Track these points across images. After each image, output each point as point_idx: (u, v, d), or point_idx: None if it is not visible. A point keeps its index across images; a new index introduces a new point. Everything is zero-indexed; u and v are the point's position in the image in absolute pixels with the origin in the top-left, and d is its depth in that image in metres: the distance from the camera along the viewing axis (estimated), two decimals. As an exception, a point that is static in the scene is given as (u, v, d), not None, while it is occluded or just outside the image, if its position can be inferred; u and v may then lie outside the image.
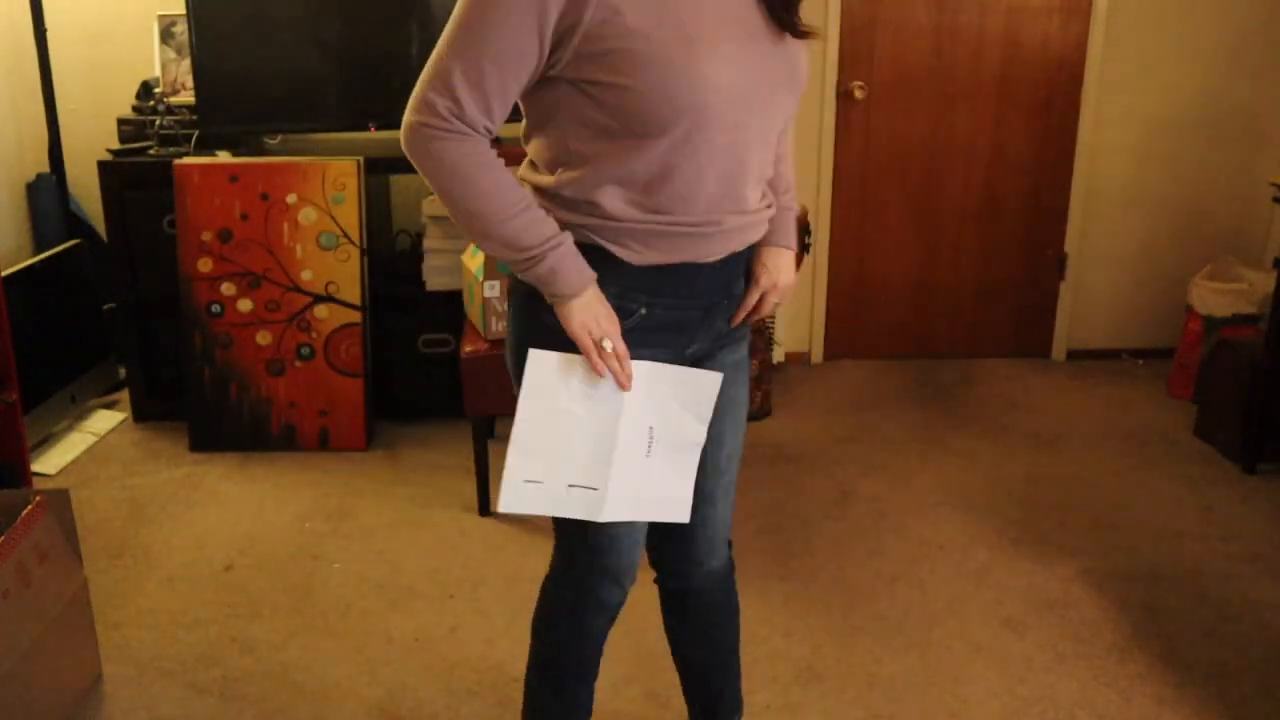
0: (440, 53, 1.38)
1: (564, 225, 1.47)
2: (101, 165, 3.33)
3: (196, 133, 3.37)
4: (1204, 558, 2.79)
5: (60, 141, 3.62)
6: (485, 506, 2.98)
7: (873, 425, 3.57)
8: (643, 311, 1.51)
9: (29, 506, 2.10)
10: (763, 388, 3.61)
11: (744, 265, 1.60)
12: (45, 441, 3.33)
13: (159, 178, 3.28)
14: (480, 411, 2.88)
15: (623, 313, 1.50)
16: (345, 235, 3.28)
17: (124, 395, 3.62)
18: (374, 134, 3.45)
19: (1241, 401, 3.23)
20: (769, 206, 1.59)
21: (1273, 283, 3.25)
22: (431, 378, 3.49)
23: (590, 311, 1.46)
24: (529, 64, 1.38)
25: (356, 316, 3.32)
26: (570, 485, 1.54)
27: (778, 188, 1.64)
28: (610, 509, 1.56)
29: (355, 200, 3.27)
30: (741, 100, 1.43)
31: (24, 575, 2.03)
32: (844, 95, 3.86)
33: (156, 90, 3.49)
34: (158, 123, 3.41)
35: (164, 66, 3.52)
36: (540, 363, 1.49)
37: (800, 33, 1.48)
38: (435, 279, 3.37)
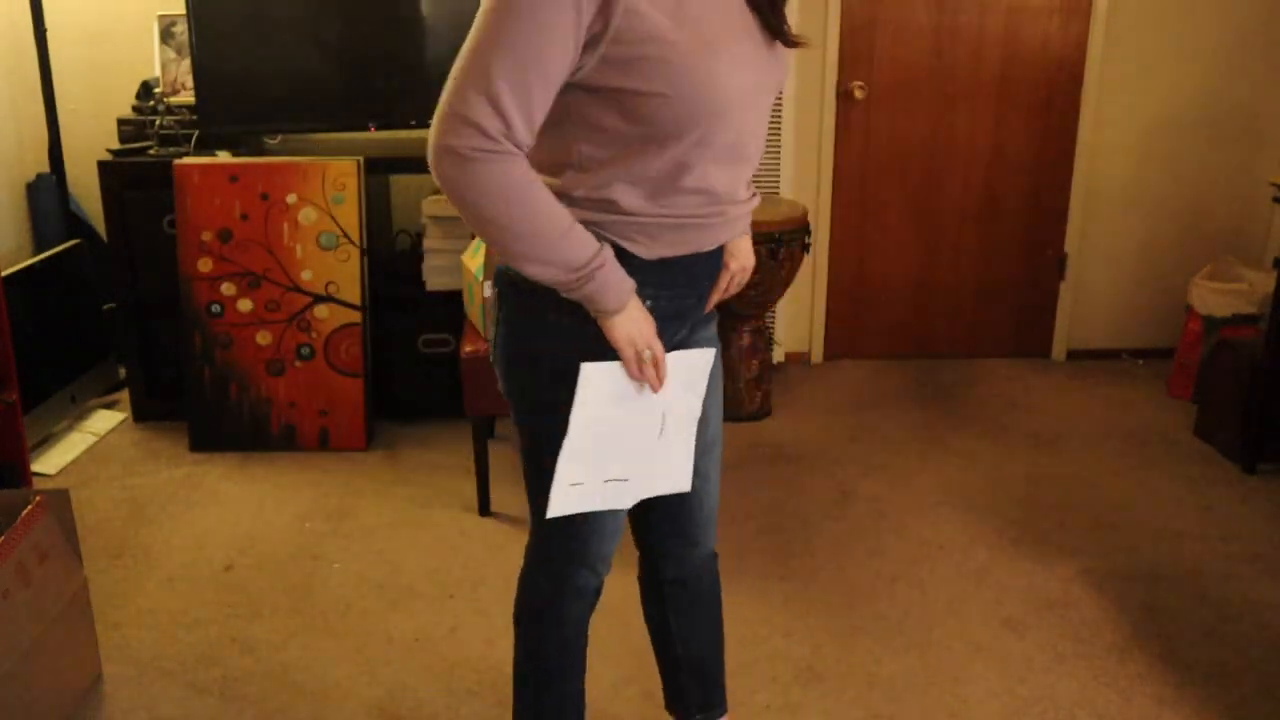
0: (478, 67, 1.32)
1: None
2: (101, 165, 3.33)
3: (196, 133, 3.37)
4: (1204, 558, 2.79)
5: (60, 141, 3.62)
6: (485, 506, 2.98)
7: (873, 425, 3.57)
8: (649, 304, 1.53)
9: (29, 506, 2.10)
10: (763, 388, 3.61)
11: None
12: (45, 441, 3.33)
13: (159, 178, 3.28)
14: (480, 411, 2.88)
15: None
16: (345, 235, 3.28)
17: (124, 395, 3.62)
18: (374, 134, 3.46)
19: (1241, 401, 3.23)
20: (754, 196, 1.64)
21: (1273, 283, 3.25)
22: (431, 378, 3.49)
23: (635, 323, 1.49)
24: (566, 73, 1.36)
25: (356, 316, 3.32)
26: (606, 480, 1.59)
27: None
28: (634, 494, 1.62)
29: (355, 200, 3.27)
30: (749, 102, 1.47)
31: (24, 575, 2.03)
32: (844, 95, 3.86)
33: (156, 90, 3.49)
34: (158, 123, 3.41)
35: (164, 66, 3.52)
36: (593, 376, 1.50)
37: (791, 43, 1.54)
38: (435, 279, 3.37)
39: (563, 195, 1.46)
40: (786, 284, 3.55)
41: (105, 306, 3.63)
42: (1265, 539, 2.88)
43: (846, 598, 2.60)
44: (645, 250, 1.49)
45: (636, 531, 1.84)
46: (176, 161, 3.26)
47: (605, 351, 1.50)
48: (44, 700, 2.08)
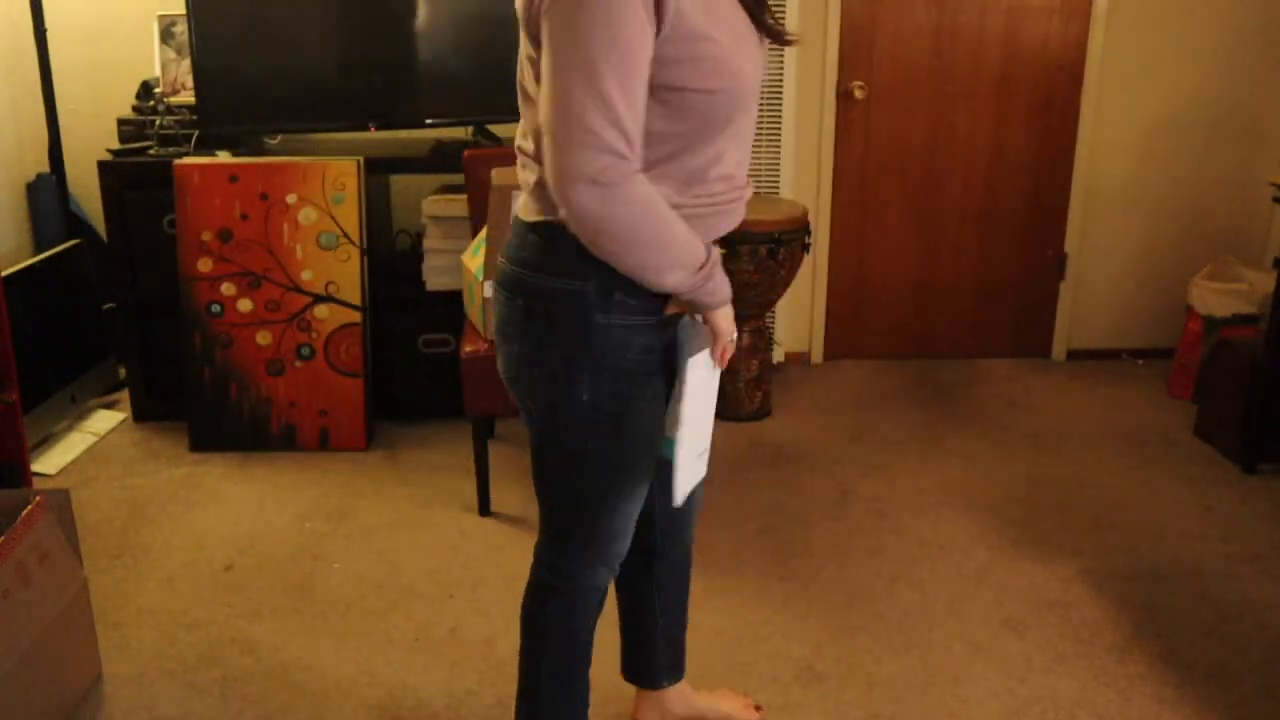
0: (588, 89, 1.32)
1: None
2: (101, 165, 3.33)
3: (196, 133, 3.37)
4: (1204, 558, 2.79)
5: (60, 141, 3.62)
6: (485, 506, 2.98)
7: (873, 425, 3.57)
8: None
9: (29, 506, 2.10)
10: (763, 388, 3.61)
11: None
12: (45, 441, 3.33)
13: (159, 178, 3.28)
14: (480, 411, 2.88)
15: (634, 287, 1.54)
16: (345, 235, 3.29)
17: (124, 395, 3.62)
18: (374, 134, 3.46)
19: (1241, 401, 3.23)
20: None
21: (1273, 283, 3.25)
22: (431, 378, 3.49)
23: (730, 312, 1.59)
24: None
25: (356, 316, 3.32)
26: (699, 454, 1.70)
27: None
28: (707, 464, 1.75)
29: (355, 200, 3.27)
30: (760, 92, 1.58)
31: (24, 575, 2.03)
32: (844, 95, 3.86)
33: (156, 90, 3.49)
34: (158, 123, 3.41)
35: (164, 66, 3.52)
36: (697, 365, 1.60)
37: (787, 41, 1.60)
38: (435, 279, 3.37)
39: None
40: (786, 284, 3.55)
41: (105, 306, 3.63)
42: (1265, 539, 2.88)
43: (846, 598, 2.60)
44: None
45: (640, 522, 1.85)
46: (176, 161, 3.26)
47: (647, 343, 1.56)
48: (44, 700, 2.08)
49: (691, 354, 1.60)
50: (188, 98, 3.42)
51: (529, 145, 1.53)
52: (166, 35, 3.51)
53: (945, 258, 4.07)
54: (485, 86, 3.41)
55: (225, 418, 3.34)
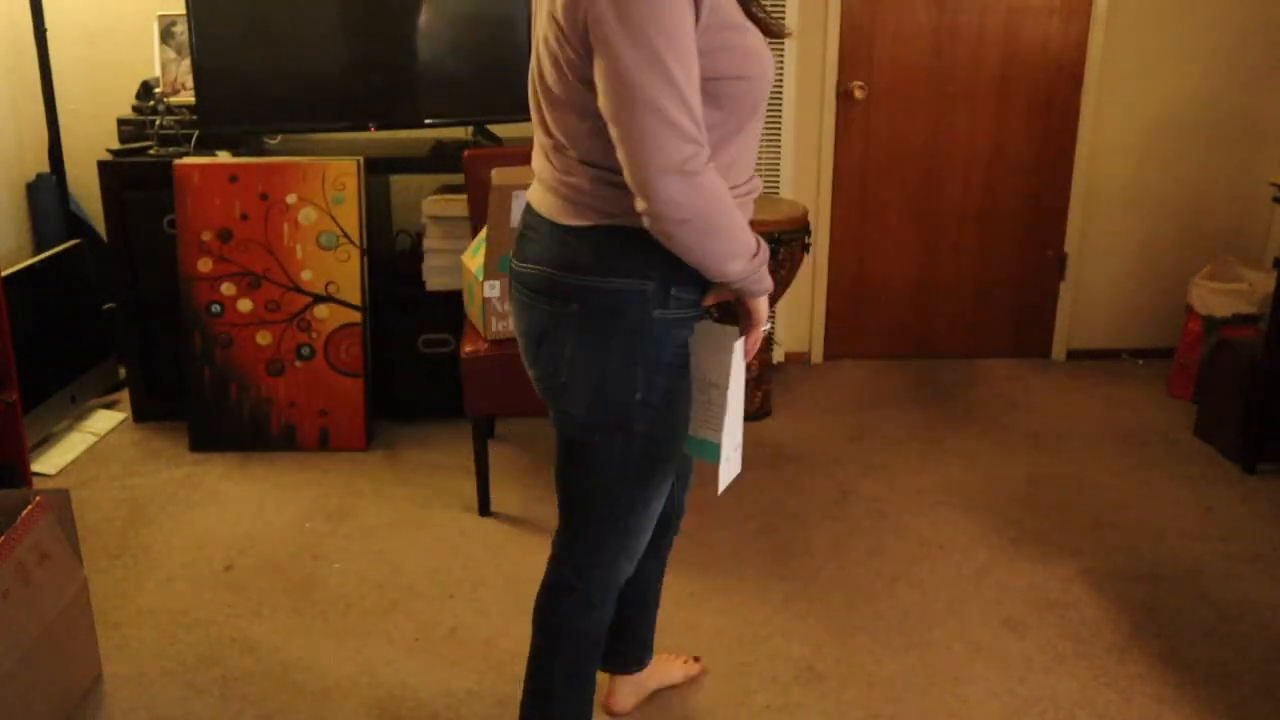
0: (661, 81, 1.36)
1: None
2: (101, 165, 3.33)
3: (196, 133, 3.37)
4: (1204, 558, 2.79)
5: (60, 141, 3.62)
6: (485, 506, 2.98)
7: (873, 425, 3.57)
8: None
9: (29, 506, 2.10)
10: (763, 388, 3.61)
11: None
12: (45, 441, 3.33)
13: (159, 178, 3.28)
14: (480, 411, 2.88)
15: (705, 286, 1.59)
16: (345, 235, 3.28)
17: (124, 395, 3.62)
18: (374, 134, 3.46)
19: (1241, 401, 3.23)
20: None
21: (1273, 283, 3.25)
22: (431, 378, 3.49)
23: (767, 298, 1.63)
24: None
25: (356, 316, 3.32)
26: (736, 446, 1.73)
27: None
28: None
29: (355, 200, 3.27)
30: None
31: (24, 575, 2.03)
32: (844, 95, 3.86)
33: (156, 90, 3.49)
34: (158, 123, 3.41)
35: (164, 66, 3.52)
36: (738, 349, 1.63)
37: (774, 32, 1.62)
38: (435, 279, 3.37)
39: (624, 198, 1.51)
40: (786, 284, 3.55)
41: (105, 306, 3.63)
42: (1265, 539, 2.88)
43: (846, 598, 2.60)
44: None
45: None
46: (176, 161, 3.26)
47: (685, 336, 1.60)
48: (44, 700, 2.08)
49: (704, 357, 1.64)
50: (188, 98, 3.42)
51: (574, 151, 1.53)
52: (166, 35, 3.51)
53: (945, 258, 4.07)
54: (485, 86, 3.41)
55: (225, 418, 3.34)
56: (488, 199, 2.67)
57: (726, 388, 1.64)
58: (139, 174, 3.33)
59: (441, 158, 3.41)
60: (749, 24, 1.50)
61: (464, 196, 3.24)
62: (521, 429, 3.52)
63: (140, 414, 3.53)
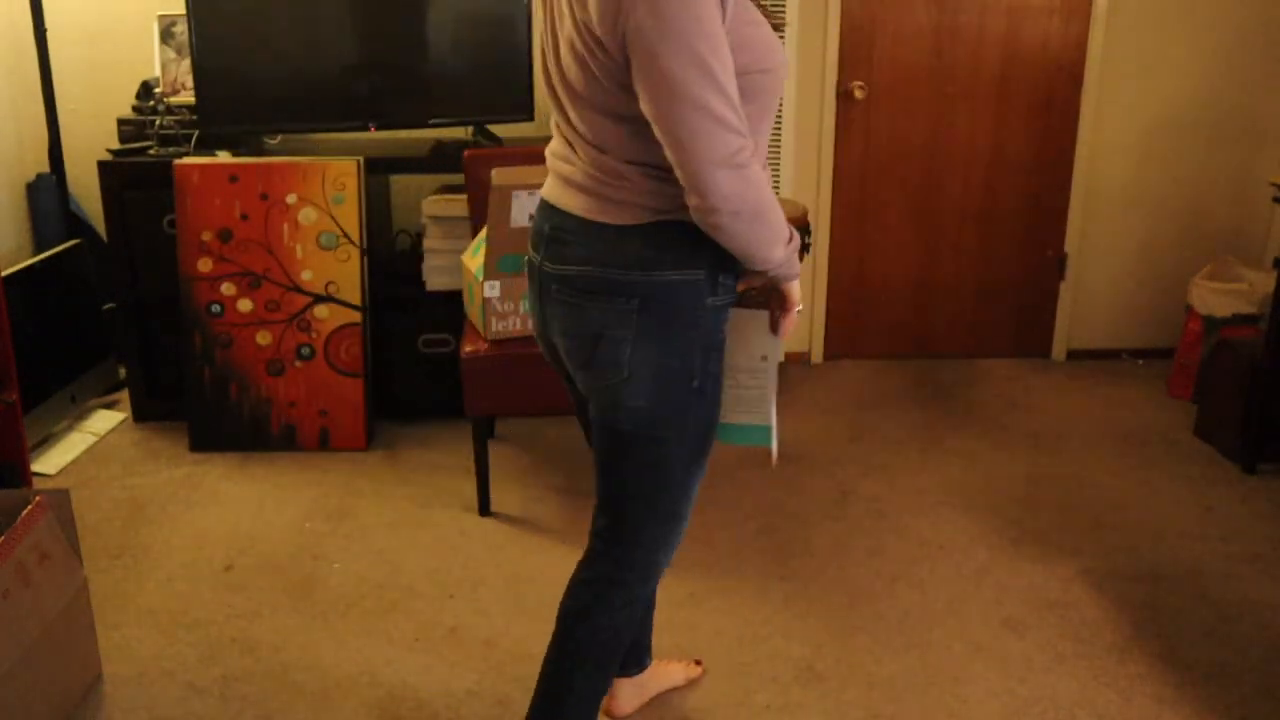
0: (705, 78, 1.41)
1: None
2: (101, 165, 3.33)
3: (196, 133, 3.37)
4: (1204, 558, 2.79)
5: (60, 141, 3.62)
6: (485, 506, 2.98)
7: (873, 425, 3.57)
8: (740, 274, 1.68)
9: (29, 506, 2.10)
10: (763, 388, 3.60)
11: None
12: (45, 441, 3.33)
13: (159, 178, 3.28)
14: (480, 411, 2.88)
15: (739, 273, 1.65)
16: (345, 235, 3.28)
17: (124, 395, 3.62)
18: (374, 134, 3.46)
19: (1241, 401, 3.23)
20: None
21: (1273, 283, 3.25)
22: (431, 378, 3.49)
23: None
24: None
25: (356, 316, 3.32)
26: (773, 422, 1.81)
27: None
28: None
29: (355, 200, 3.27)
30: None
31: (24, 575, 2.03)
32: (844, 95, 3.86)
33: (156, 90, 3.49)
34: (158, 123, 3.41)
35: (164, 66, 3.52)
36: (777, 341, 1.71)
37: (780, 26, 1.75)
38: (435, 279, 3.37)
39: (672, 194, 1.54)
40: (786, 284, 3.55)
41: (105, 306, 3.63)
42: (1265, 539, 2.88)
43: (846, 598, 2.60)
44: None
45: None
46: (176, 161, 3.26)
47: (724, 321, 1.66)
48: (44, 700, 2.08)
49: (732, 342, 1.71)
50: (188, 98, 3.42)
51: (616, 152, 1.56)
52: (166, 35, 3.51)
53: (945, 258, 4.07)
54: (485, 86, 3.41)
55: (225, 418, 3.34)
56: (488, 199, 2.67)
57: (767, 370, 1.71)
58: (139, 174, 3.33)
59: (441, 158, 3.41)
60: (762, 17, 1.54)
61: (464, 196, 3.24)
62: (521, 429, 3.52)
63: (140, 414, 3.53)
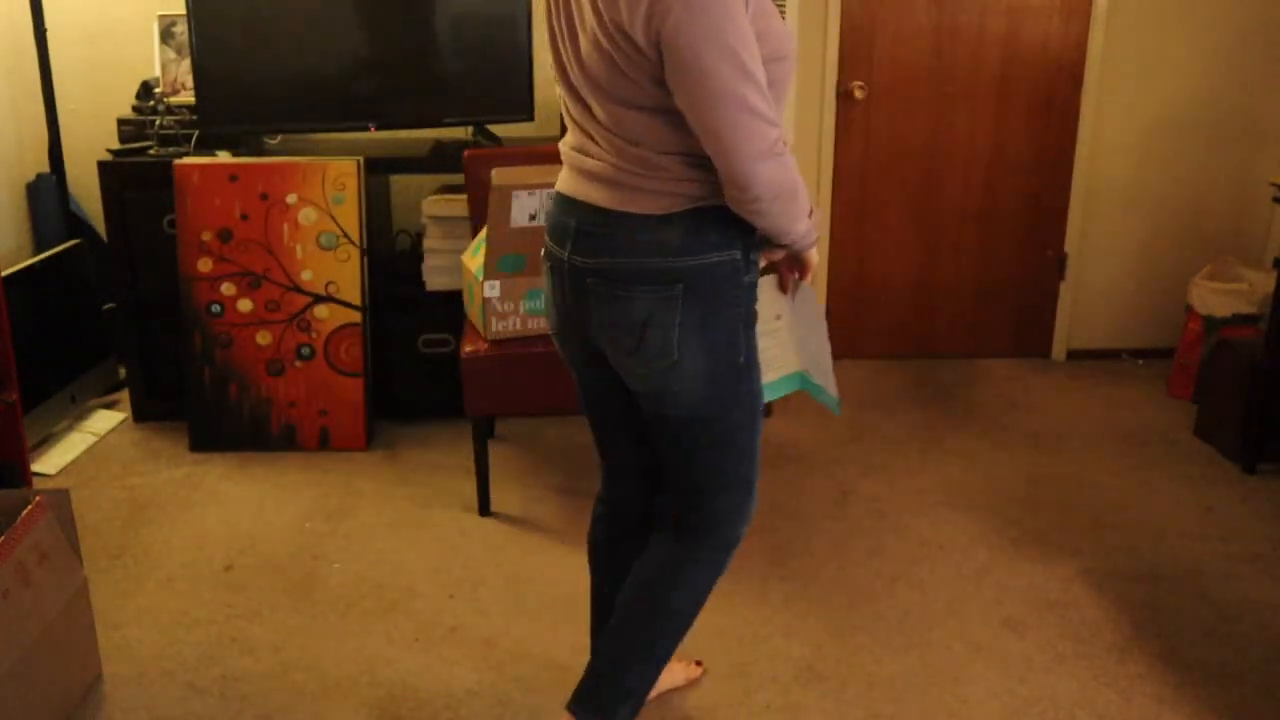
0: (739, 72, 1.46)
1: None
2: (101, 165, 3.33)
3: (196, 133, 3.37)
4: (1204, 558, 2.79)
5: (60, 141, 3.62)
6: (485, 506, 2.98)
7: (873, 425, 3.57)
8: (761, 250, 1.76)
9: (29, 506, 2.10)
10: (763, 388, 3.61)
11: None
12: (45, 441, 3.33)
13: (159, 178, 3.28)
14: (480, 411, 2.88)
15: (761, 244, 1.72)
16: (345, 235, 3.29)
17: (124, 395, 3.62)
18: (374, 134, 3.46)
19: (1241, 401, 3.23)
20: None
21: (1273, 283, 3.25)
22: (431, 378, 3.49)
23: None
24: None
25: (356, 316, 3.32)
26: (826, 371, 2.02)
27: None
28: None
29: (355, 200, 3.27)
30: None
31: (24, 575, 2.03)
32: (844, 95, 3.86)
33: (156, 90, 3.49)
34: (158, 123, 3.41)
35: (164, 66, 3.52)
36: (807, 299, 1.92)
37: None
38: (435, 279, 3.37)
39: (708, 180, 1.59)
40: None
41: (105, 306, 3.63)
42: (1265, 539, 2.88)
43: (846, 598, 2.60)
44: None
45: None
46: (176, 161, 3.26)
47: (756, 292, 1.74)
48: (44, 700, 2.08)
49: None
50: (188, 98, 3.42)
51: (651, 145, 1.59)
52: (166, 35, 3.51)
53: (945, 258, 4.07)
54: (485, 86, 3.41)
55: (225, 418, 3.34)
56: (488, 199, 2.67)
57: (782, 329, 1.87)
58: (139, 174, 3.33)
59: (441, 158, 3.41)
60: (774, 7, 1.58)
61: (464, 196, 3.24)
62: (521, 429, 3.52)
63: (140, 414, 3.53)
